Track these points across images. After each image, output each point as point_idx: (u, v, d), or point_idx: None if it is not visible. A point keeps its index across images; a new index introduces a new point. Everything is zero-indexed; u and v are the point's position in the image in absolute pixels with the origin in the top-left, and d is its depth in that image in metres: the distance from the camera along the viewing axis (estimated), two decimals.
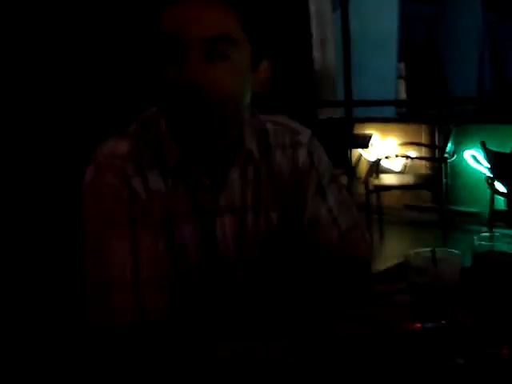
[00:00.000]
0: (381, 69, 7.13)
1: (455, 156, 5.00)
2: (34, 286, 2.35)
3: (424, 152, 5.35)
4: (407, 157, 5.24)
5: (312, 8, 5.31)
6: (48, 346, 2.05)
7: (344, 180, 4.71)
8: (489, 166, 4.26)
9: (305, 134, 1.38)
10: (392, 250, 4.33)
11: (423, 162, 5.35)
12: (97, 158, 1.24)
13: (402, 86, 8.73)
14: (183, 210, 1.25)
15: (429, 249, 1.10)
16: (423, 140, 5.38)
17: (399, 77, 8.25)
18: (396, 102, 7.34)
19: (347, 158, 5.01)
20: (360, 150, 5.37)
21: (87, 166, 1.24)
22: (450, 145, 4.89)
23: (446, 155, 4.87)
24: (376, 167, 5.04)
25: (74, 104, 2.86)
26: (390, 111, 6.76)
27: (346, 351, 1.09)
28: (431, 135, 5.37)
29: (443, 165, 4.85)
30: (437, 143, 5.29)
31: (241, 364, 1.08)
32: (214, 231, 1.28)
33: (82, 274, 1.20)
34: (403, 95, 8.60)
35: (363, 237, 1.43)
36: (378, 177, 4.98)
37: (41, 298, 2.26)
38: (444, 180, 4.85)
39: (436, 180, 5.03)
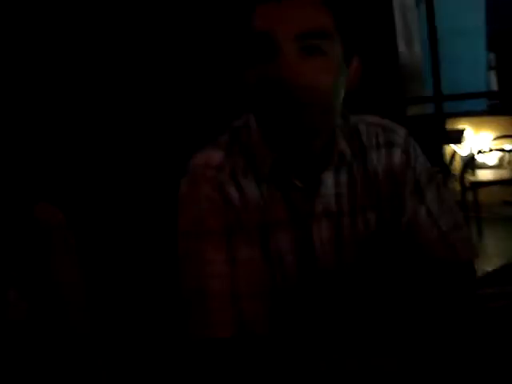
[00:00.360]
0: (470, 60, 6.89)
1: None
2: (133, 297, 2.37)
3: None
4: (503, 150, 5.02)
5: (396, 1, 5.17)
6: (150, 356, 2.05)
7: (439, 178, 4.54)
8: None
9: (400, 133, 1.32)
10: (493, 249, 4.14)
11: None
12: (191, 170, 1.23)
13: (493, 77, 8.40)
14: (278, 217, 1.22)
15: None
16: None
17: (490, 68, 7.96)
18: (487, 94, 7.06)
19: (441, 155, 4.84)
20: (453, 146, 5.19)
21: (182, 178, 1.23)
22: None
23: None
24: (471, 163, 4.85)
25: (167, 114, 2.87)
26: (480, 104, 6.51)
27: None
28: None
29: None
30: None
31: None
32: (311, 237, 1.24)
33: (181, 287, 1.19)
34: (494, 86, 8.28)
35: (466, 238, 1.34)
36: (473, 173, 4.79)
37: (139, 309, 2.27)
38: None
39: None
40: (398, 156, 1.30)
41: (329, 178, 1.24)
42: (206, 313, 1.14)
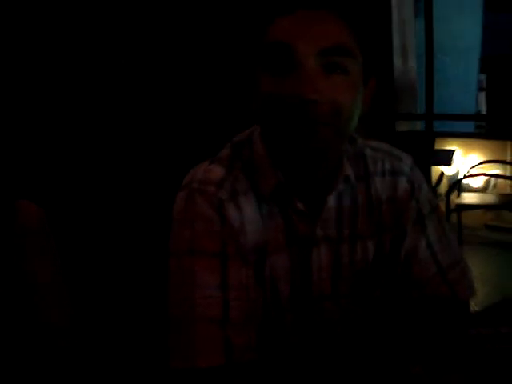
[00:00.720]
0: (462, 80, 6.88)
1: None
2: (118, 319, 2.28)
3: (509, 171, 5.09)
4: (491, 175, 5.00)
5: (394, 16, 5.12)
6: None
7: None
8: None
9: (406, 161, 1.28)
10: (473, 271, 4.10)
11: (507, 181, 5.10)
12: (189, 184, 1.15)
13: (483, 99, 8.42)
14: (277, 239, 1.16)
15: None
16: (508, 158, 5.13)
17: (480, 89, 7.97)
18: (480, 116, 7.05)
19: (428, 175, 4.80)
20: (441, 167, 5.15)
21: (178, 192, 1.16)
22: None
23: None
24: (458, 185, 4.82)
25: (165, 126, 2.78)
26: (469, 125, 6.51)
27: None
28: None
29: None
30: None
31: None
32: (308, 262, 1.18)
33: (168, 308, 1.11)
34: (483, 108, 8.30)
35: (465, 276, 1.29)
36: (459, 195, 4.76)
37: (123, 332, 2.20)
38: None
39: None
40: (402, 185, 1.26)
41: (331, 203, 1.19)
42: (193, 339, 1.06)
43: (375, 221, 1.25)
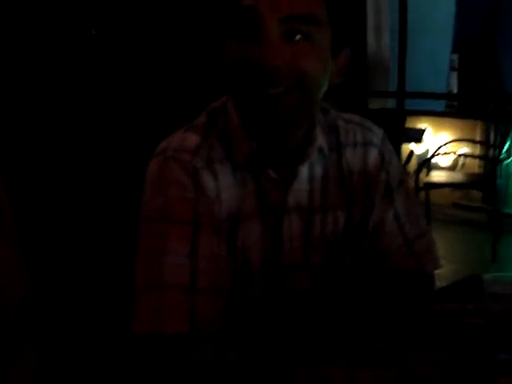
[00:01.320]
0: (434, 59, 6.89)
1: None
2: (84, 282, 2.26)
3: (478, 150, 5.13)
4: (460, 154, 5.03)
5: None
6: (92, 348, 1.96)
7: None
8: None
9: (377, 134, 1.30)
10: (441, 251, 4.13)
11: (476, 161, 5.14)
12: (163, 151, 1.14)
13: (454, 79, 8.44)
14: (250, 207, 1.17)
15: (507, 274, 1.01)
16: (478, 137, 5.17)
17: (452, 69, 7.99)
18: (452, 96, 7.07)
19: (399, 153, 4.82)
20: (411, 145, 5.17)
21: (152, 158, 1.15)
22: (508, 145, 4.67)
23: (502, 156, 4.66)
24: (427, 163, 4.85)
25: (140, 94, 2.73)
26: (440, 104, 6.53)
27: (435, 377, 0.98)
28: (487, 133, 5.16)
29: (498, 165, 4.64)
30: (492, 142, 5.07)
31: None
32: (280, 231, 1.19)
33: (135, 274, 1.11)
34: (454, 88, 8.33)
35: (431, 248, 1.32)
36: (428, 173, 4.80)
37: (91, 297, 2.17)
38: (498, 181, 4.64)
39: (488, 180, 4.83)
40: (373, 156, 1.27)
41: (304, 172, 1.20)
42: (157, 304, 1.06)
43: (346, 192, 1.26)
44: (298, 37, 1.03)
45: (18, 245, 1.27)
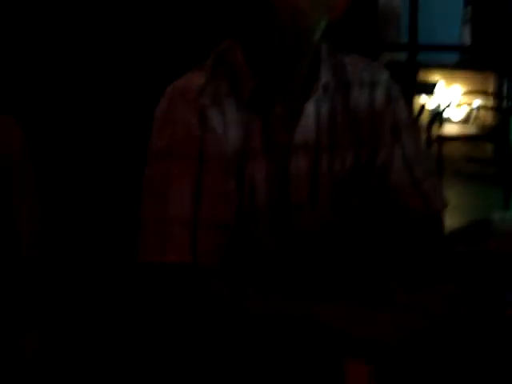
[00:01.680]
0: (446, 11, 6.77)
1: None
2: (93, 218, 2.29)
3: (491, 102, 5.09)
4: (471, 106, 4.99)
5: None
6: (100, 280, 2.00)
7: None
8: None
9: (384, 74, 1.31)
10: (451, 202, 4.13)
11: (489, 113, 5.10)
12: (171, 91, 1.17)
13: (467, 31, 8.31)
14: (256, 144, 1.18)
15: None
16: (491, 89, 5.12)
17: (465, 21, 7.86)
18: (464, 48, 6.95)
19: (410, 106, 4.78)
20: (423, 98, 5.13)
21: (160, 98, 1.18)
22: None
23: None
24: (439, 116, 4.81)
25: (151, 41, 2.71)
26: (453, 57, 6.45)
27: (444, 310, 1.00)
28: (500, 85, 5.10)
29: (511, 116, 4.61)
30: (505, 93, 5.02)
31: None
32: (287, 169, 1.20)
33: (141, 207, 1.14)
34: (467, 40, 8.20)
35: (437, 188, 1.33)
36: (440, 126, 4.77)
37: (98, 231, 2.21)
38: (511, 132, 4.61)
39: (501, 132, 4.79)
40: (380, 95, 1.28)
41: (310, 109, 1.21)
42: (163, 236, 1.09)
43: (353, 131, 1.26)
44: None
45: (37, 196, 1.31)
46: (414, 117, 1.37)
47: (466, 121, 5.16)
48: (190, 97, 1.15)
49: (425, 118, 5.04)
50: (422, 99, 5.17)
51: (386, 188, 1.28)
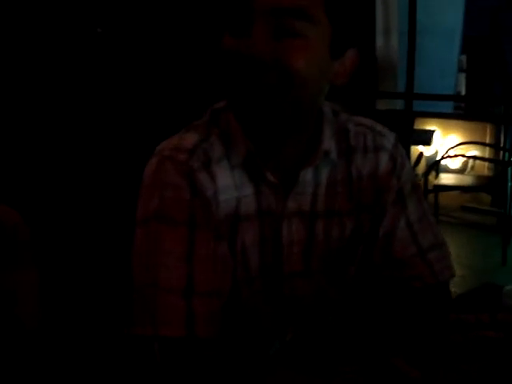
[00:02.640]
0: (442, 61, 6.84)
1: None
2: (83, 283, 2.24)
3: (488, 153, 5.09)
4: (469, 157, 4.99)
5: None
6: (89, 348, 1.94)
7: None
8: None
9: (389, 138, 1.25)
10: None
11: (485, 163, 5.10)
12: (161, 151, 1.11)
13: (463, 80, 8.39)
14: (248, 209, 1.13)
15: None
16: (487, 139, 5.13)
17: (460, 70, 7.95)
18: (460, 97, 7.01)
19: (408, 155, 4.78)
20: (420, 147, 5.14)
21: (150, 158, 1.13)
22: None
23: None
24: (436, 166, 4.81)
25: (144, 97, 2.70)
26: (448, 106, 6.49)
27: None
28: (496, 135, 5.11)
29: (508, 167, 4.60)
30: (501, 144, 5.03)
31: None
32: (279, 235, 1.15)
33: (133, 275, 1.09)
34: (463, 89, 8.28)
35: (445, 257, 1.27)
36: (437, 176, 4.76)
37: (88, 297, 2.15)
38: (508, 183, 4.60)
39: (498, 183, 4.78)
40: (384, 161, 1.23)
41: (307, 176, 1.16)
42: (156, 307, 1.04)
43: (355, 198, 1.22)
44: (290, 33, 1.00)
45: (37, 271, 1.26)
46: (419, 182, 1.32)
47: (462, 171, 5.16)
48: (180, 158, 1.10)
49: (421, 167, 5.04)
50: (420, 148, 5.18)
51: (389, 257, 1.23)
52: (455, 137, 5.19)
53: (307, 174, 1.16)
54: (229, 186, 1.13)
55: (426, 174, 4.61)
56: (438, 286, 1.26)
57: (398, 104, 5.40)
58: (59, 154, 2.42)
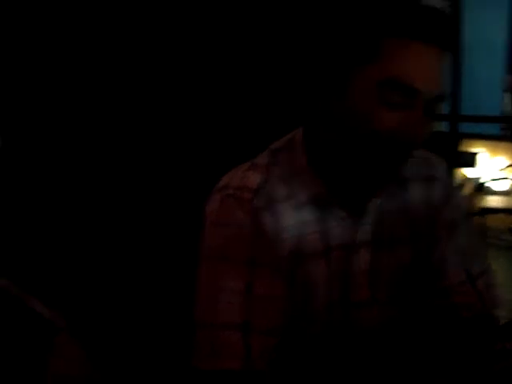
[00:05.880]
0: (487, 81, 6.77)
1: None
2: (148, 318, 2.25)
3: None
4: None
5: None
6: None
7: None
8: None
9: (440, 168, 1.30)
10: (498, 277, 4.04)
11: None
12: (225, 189, 1.15)
13: (508, 100, 8.27)
14: (313, 246, 1.15)
15: None
16: None
17: (505, 90, 7.85)
18: (506, 119, 6.90)
19: (452, 176, 4.74)
20: (465, 170, 5.08)
21: (212, 195, 1.16)
22: None
23: None
24: (482, 188, 4.75)
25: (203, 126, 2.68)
26: (494, 127, 6.41)
27: None
28: None
29: None
30: None
31: None
32: (348, 267, 1.18)
33: (194, 310, 1.14)
34: (509, 109, 8.15)
35: (491, 285, 1.28)
36: (483, 198, 4.69)
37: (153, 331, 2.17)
38: None
39: None
40: (437, 191, 1.27)
41: (374, 207, 1.19)
42: (213, 342, 1.08)
43: (412, 227, 1.24)
44: (431, 112, 1.07)
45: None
46: (468, 210, 1.36)
47: (509, 193, 5.08)
48: (245, 197, 1.13)
49: (467, 190, 4.98)
50: (465, 170, 5.12)
51: (441, 284, 1.25)
52: (503, 158, 5.12)
53: (373, 206, 1.19)
54: (292, 225, 1.14)
55: (472, 196, 4.55)
56: (486, 315, 1.26)
57: (443, 125, 5.35)
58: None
